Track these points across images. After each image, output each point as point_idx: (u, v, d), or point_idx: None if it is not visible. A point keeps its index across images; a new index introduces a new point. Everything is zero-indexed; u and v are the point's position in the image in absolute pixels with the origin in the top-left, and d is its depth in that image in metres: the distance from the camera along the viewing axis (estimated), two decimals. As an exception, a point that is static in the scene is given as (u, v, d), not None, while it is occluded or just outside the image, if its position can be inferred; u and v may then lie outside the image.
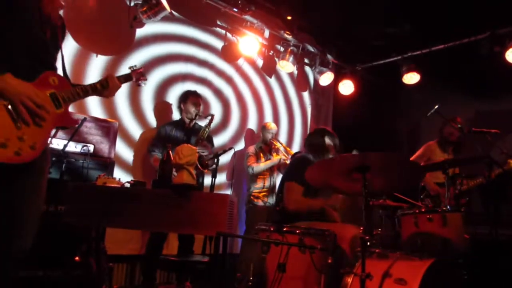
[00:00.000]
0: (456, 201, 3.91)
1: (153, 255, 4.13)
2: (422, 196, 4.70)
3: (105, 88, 2.38)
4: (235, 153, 4.59)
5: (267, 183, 5.25)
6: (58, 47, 2.19)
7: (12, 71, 1.83)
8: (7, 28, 1.89)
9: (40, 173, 2.03)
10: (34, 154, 1.91)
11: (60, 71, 2.15)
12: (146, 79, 2.88)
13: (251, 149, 5.38)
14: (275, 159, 5.28)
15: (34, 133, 1.92)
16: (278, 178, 5.35)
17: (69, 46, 4.29)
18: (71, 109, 4.15)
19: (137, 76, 2.80)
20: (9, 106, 1.82)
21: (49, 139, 3.30)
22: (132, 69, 2.79)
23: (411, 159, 4.65)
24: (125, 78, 2.65)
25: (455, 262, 2.89)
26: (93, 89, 2.32)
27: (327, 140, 3.55)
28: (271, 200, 5.22)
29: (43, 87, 2.00)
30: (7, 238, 1.91)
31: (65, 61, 2.26)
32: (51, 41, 2.11)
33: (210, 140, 4.81)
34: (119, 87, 2.49)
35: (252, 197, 5.22)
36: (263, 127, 5.51)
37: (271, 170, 5.31)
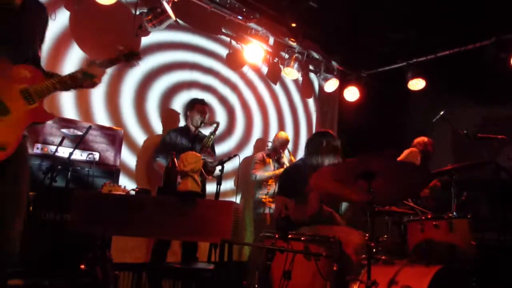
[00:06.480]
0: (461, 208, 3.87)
1: (158, 263, 4.12)
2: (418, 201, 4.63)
3: (89, 77, 2.20)
4: (240, 160, 4.58)
5: (271, 191, 5.23)
6: (31, 34, 2.13)
7: None
8: None
9: (16, 168, 1.98)
10: (6, 153, 1.89)
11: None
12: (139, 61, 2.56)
13: (259, 156, 5.41)
14: (277, 171, 5.25)
15: (4, 132, 1.89)
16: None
17: (75, 54, 4.33)
18: (76, 116, 4.21)
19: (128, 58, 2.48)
20: None
21: (55, 147, 3.30)
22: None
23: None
24: (110, 62, 2.37)
25: (462, 269, 2.86)
26: (73, 79, 2.16)
27: (325, 141, 3.50)
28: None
29: (13, 83, 1.95)
30: None
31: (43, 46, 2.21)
32: (25, 30, 2.05)
33: (212, 149, 4.81)
34: (104, 72, 2.30)
35: (259, 203, 5.21)
36: (276, 135, 5.61)
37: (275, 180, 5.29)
